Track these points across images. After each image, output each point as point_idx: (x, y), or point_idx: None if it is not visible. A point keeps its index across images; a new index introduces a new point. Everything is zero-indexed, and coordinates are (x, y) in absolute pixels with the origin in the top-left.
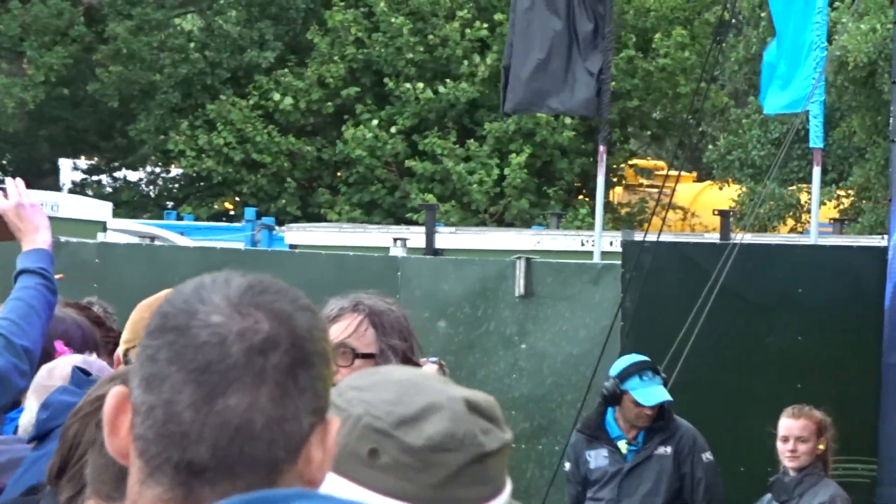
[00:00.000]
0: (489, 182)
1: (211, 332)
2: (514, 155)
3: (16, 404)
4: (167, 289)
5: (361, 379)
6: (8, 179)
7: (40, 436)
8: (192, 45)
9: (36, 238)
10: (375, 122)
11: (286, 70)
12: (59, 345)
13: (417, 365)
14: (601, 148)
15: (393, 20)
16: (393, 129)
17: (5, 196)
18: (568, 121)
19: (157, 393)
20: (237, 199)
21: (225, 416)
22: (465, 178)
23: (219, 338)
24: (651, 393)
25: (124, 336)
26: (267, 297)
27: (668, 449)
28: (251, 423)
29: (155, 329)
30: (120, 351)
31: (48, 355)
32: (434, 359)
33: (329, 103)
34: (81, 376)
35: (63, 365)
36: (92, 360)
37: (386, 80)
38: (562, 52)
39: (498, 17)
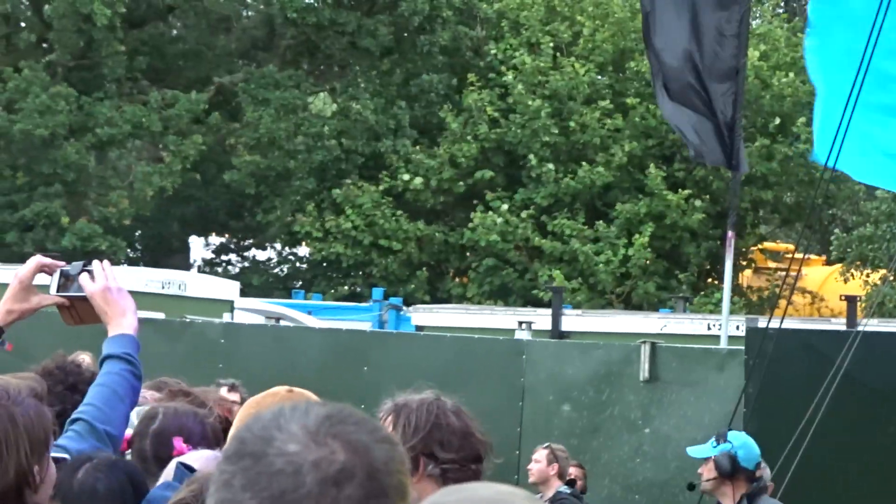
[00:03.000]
0: (615, 262)
1: (286, 460)
2: (637, 235)
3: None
4: (287, 379)
5: (445, 497)
6: (95, 262)
7: None
8: (326, 129)
9: (122, 322)
10: (506, 206)
11: (416, 148)
12: (177, 441)
13: (435, 460)
14: (729, 234)
15: (530, 102)
16: (524, 214)
17: (92, 278)
18: (698, 203)
19: None
20: (367, 280)
21: None
22: (591, 258)
23: (294, 467)
24: (696, 448)
25: (232, 431)
26: (345, 428)
27: None
28: None
29: (232, 454)
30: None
31: (166, 450)
32: (545, 445)
33: (461, 183)
34: (185, 472)
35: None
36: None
37: (531, 157)
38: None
39: (630, 101)
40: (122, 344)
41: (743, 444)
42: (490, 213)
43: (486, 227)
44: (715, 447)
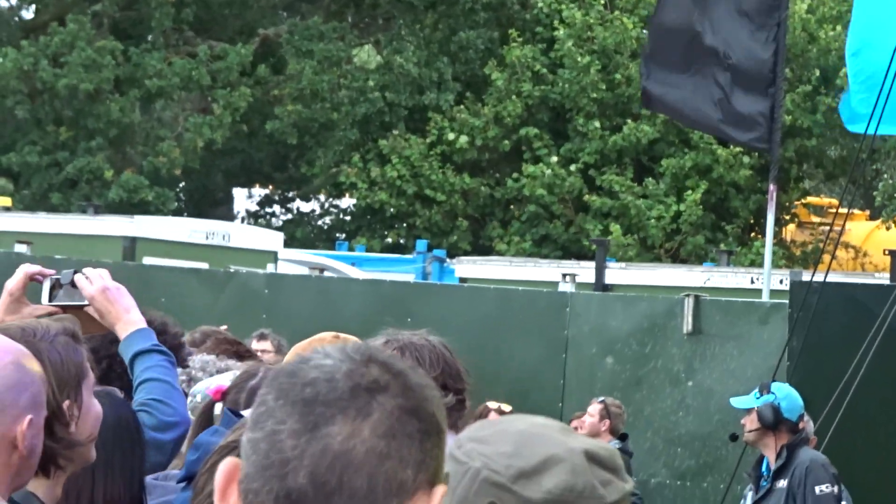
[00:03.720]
0: (667, 218)
1: (320, 370)
2: (689, 192)
3: None
4: (330, 330)
5: (480, 430)
6: (86, 269)
7: (189, 477)
8: (370, 83)
9: (131, 318)
10: (555, 158)
11: (462, 107)
12: None
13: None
14: (771, 187)
15: (579, 59)
16: (573, 167)
17: (89, 281)
18: (746, 159)
19: (262, 429)
20: (410, 231)
21: (325, 443)
22: (643, 212)
23: (328, 375)
24: (740, 399)
25: None
26: (383, 355)
27: (785, 482)
28: (351, 451)
29: (270, 378)
30: None
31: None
32: (601, 399)
33: (505, 141)
34: (232, 417)
35: None
36: None
37: (577, 118)
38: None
39: None
40: (145, 338)
41: (786, 395)
42: (539, 164)
43: (535, 178)
44: (758, 398)
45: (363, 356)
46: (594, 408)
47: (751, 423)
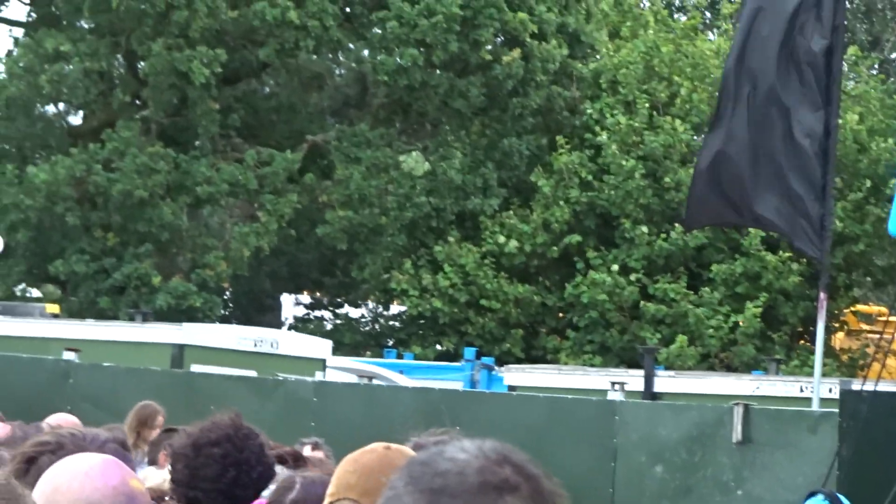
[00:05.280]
0: (725, 329)
1: (454, 463)
2: (749, 304)
3: None
4: (379, 439)
5: None
6: None
7: None
8: (416, 189)
9: None
10: (616, 267)
11: (510, 212)
12: None
13: None
14: (822, 294)
15: (624, 163)
16: (633, 277)
17: None
18: (795, 266)
19: None
20: (462, 338)
21: None
22: (702, 321)
23: (459, 468)
24: None
25: (329, 489)
26: (518, 457)
27: None
28: None
29: (402, 467)
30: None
31: None
32: None
33: (554, 247)
34: None
35: None
36: None
37: (623, 221)
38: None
39: None
40: None
41: None
42: (594, 272)
43: (595, 285)
44: None
45: (499, 455)
46: None
47: None
